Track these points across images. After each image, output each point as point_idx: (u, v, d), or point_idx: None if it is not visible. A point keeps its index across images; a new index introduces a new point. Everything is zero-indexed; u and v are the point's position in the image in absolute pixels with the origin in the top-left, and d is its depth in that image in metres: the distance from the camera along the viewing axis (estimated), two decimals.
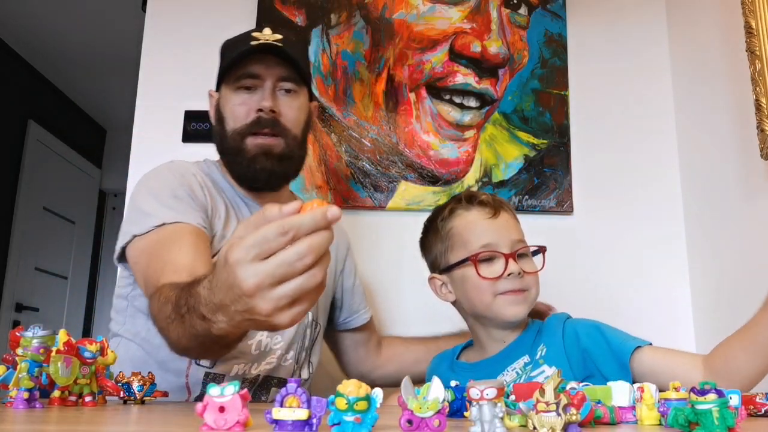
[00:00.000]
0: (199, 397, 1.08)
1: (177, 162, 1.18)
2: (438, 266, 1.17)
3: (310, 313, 1.17)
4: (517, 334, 1.11)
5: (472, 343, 1.20)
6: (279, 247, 0.58)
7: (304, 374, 1.22)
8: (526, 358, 1.07)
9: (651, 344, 1.02)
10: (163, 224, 1.00)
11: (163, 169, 1.14)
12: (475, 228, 1.10)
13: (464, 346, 1.21)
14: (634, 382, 0.99)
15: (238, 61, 1.14)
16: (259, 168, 1.13)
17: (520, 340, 1.10)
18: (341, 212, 0.60)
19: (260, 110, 1.12)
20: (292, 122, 1.16)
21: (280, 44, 1.14)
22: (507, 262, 1.06)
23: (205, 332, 0.69)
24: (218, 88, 1.21)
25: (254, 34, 1.16)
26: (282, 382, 1.16)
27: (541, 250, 1.13)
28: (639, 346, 0.99)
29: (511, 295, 1.06)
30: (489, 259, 1.07)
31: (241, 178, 1.18)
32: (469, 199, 1.14)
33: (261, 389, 1.16)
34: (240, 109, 1.15)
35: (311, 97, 1.25)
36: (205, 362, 1.06)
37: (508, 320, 1.08)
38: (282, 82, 1.16)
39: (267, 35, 1.15)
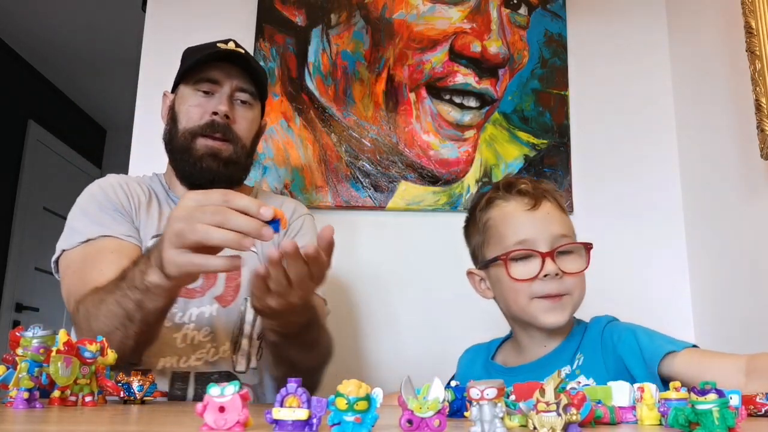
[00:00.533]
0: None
1: (109, 177, 1.24)
2: (476, 260, 1.08)
3: (248, 299, 1.14)
4: (560, 340, 1.01)
5: (510, 337, 1.10)
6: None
7: (240, 366, 1.15)
8: (567, 369, 0.97)
9: (695, 346, 0.90)
10: (89, 240, 1.08)
11: (93, 186, 1.20)
12: (511, 221, 0.99)
13: (503, 341, 1.12)
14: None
15: (201, 63, 1.17)
16: (205, 167, 1.16)
17: (563, 347, 1.00)
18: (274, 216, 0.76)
19: (215, 113, 1.16)
20: (243, 131, 1.20)
21: (243, 55, 1.20)
22: (543, 262, 0.94)
23: (138, 302, 0.84)
24: (174, 90, 1.25)
25: (219, 44, 1.20)
26: (225, 376, 1.11)
27: (586, 247, 1.00)
28: (673, 351, 0.87)
29: (547, 301, 0.95)
30: (525, 258, 0.96)
31: (186, 177, 1.20)
32: (507, 187, 1.02)
33: (201, 385, 1.11)
34: (195, 110, 1.18)
35: (263, 114, 1.31)
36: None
37: (546, 327, 0.98)
38: (239, 92, 1.20)
39: (231, 47, 1.20)
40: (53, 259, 1.15)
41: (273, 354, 1.02)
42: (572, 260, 0.97)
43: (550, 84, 1.84)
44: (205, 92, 1.19)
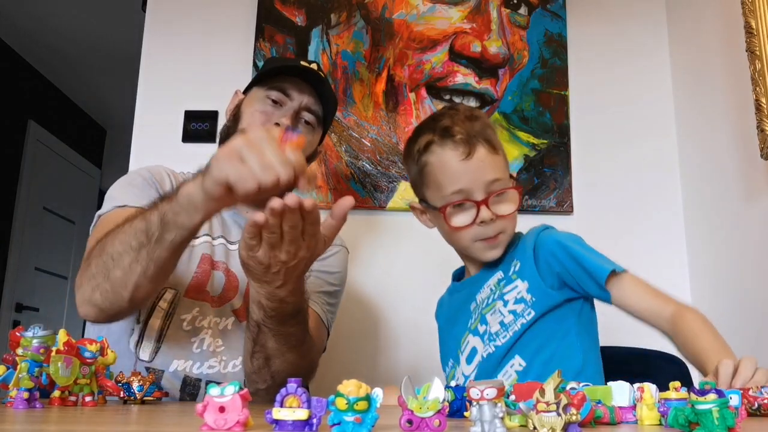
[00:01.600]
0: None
1: (159, 166, 1.24)
2: (417, 194, 1.15)
3: None
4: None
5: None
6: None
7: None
8: (499, 275, 1.07)
9: (625, 271, 1.02)
10: (125, 206, 1.07)
11: (141, 168, 1.22)
12: (447, 170, 1.05)
13: (461, 270, 1.23)
14: (612, 304, 1.01)
15: (279, 72, 1.18)
16: None
17: (499, 260, 1.09)
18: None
19: (277, 124, 1.14)
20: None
21: (320, 77, 1.19)
22: (479, 210, 1.02)
23: (162, 216, 0.86)
24: (246, 91, 1.23)
25: (303, 62, 1.22)
26: None
27: (517, 189, 1.07)
28: (614, 271, 0.99)
29: (485, 242, 1.05)
30: (462, 205, 1.04)
31: None
32: (443, 132, 1.06)
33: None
34: (259, 115, 1.16)
35: (321, 140, 1.30)
36: (144, 356, 1.07)
37: (486, 261, 1.08)
38: (306, 112, 1.19)
39: (313, 68, 1.20)
40: (91, 227, 1.13)
41: (251, 338, 0.97)
42: (504, 202, 1.05)
43: (550, 84, 1.84)
44: (274, 101, 1.17)
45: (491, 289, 1.08)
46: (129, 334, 1.09)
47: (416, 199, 1.17)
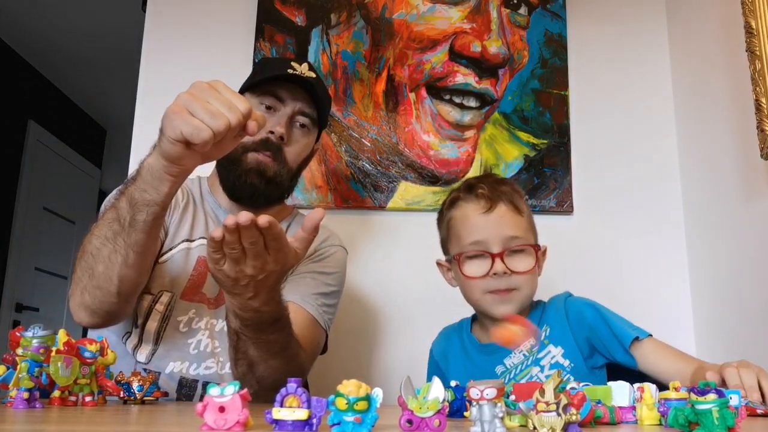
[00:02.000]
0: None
1: None
2: (444, 252, 1.19)
3: None
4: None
5: (477, 317, 1.20)
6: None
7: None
8: (531, 341, 1.08)
9: (650, 335, 1.03)
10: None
11: None
12: (467, 223, 1.10)
13: (472, 319, 1.22)
14: (638, 369, 1.01)
15: (269, 81, 1.19)
16: (248, 183, 1.16)
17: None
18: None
19: (272, 132, 1.16)
20: (293, 155, 1.21)
21: (313, 79, 1.20)
22: (493, 261, 1.05)
23: (130, 199, 0.86)
24: (241, 92, 1.22)
25: (293, 63, 1.21)
26: None
27: (534, 248, 1.09)
28: (637, 337, 1.01)
29: (497, 296, 1.06)
30: (478, 257, 1.07)
31: (228, 187, 1.21)
32: (468, 189, 1.13)
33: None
34: None
35: (319, 137, 1.30)
36: (141, 358, 1.09)
37: (497, 317, 1.07)
38: (300, 116, 1.20)
39: (304, 69, 1.20)
40: None
41: (232, 345, 0.96)
42: (521, 259, 1.07)
43: (550, 84, 1.84)
44: (268, 107, 1.19)
45: (524, 355, 1.08)
46: (125, 337, 1.11)
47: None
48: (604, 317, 1.05)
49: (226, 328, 1.08)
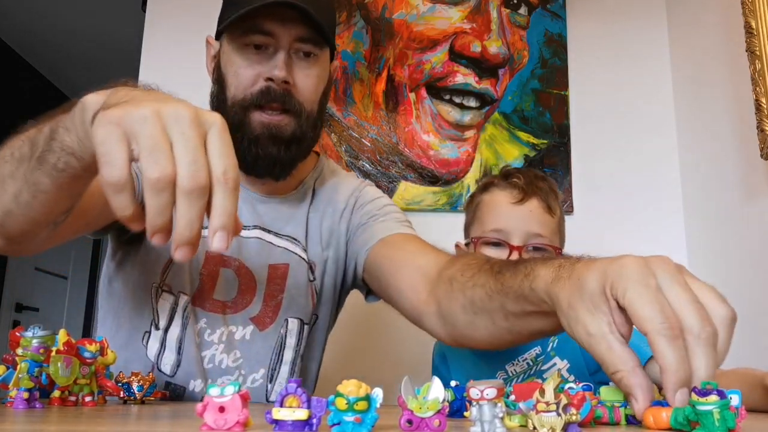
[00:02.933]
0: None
1: None
2: (465, 236, 1.13)
3: (290, 320, 1.00)
4: None
5: None
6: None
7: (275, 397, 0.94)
8: (537, 350, 1.03)
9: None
10: None
11: None
12: (495, 209, 1.04)
13: None
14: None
15: (247, 15, 0.88)
16: (262, 154, 0.91)
17: None
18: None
19: (270, 79, 0.90)
20: (308, 95, 0.93)
21: None
22: (510, 253, 0.99)
23: (46, 139, 0.63)
24: (218, 37, 0.98)
25: None
26: None
27: (556, 251, 1.03)
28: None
29: None
30: (497, 245, 1.01)
31: (240, 160, 1.02)
32: (505, 176, 1.07)
33: None
34: (245, 73, 0.91)
35: (333, 55, 1.00)
36: (166, 369, 0.93)
37: None
38: (299, 43, 0.91)
39: None
40: None
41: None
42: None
43: (550, 84, 1.84)
44: (257, 47, 0.91)
45: (528, 364, 1.02)
46: (145, 338, 0.95)
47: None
48: None
49: (248, 337, 0.96)
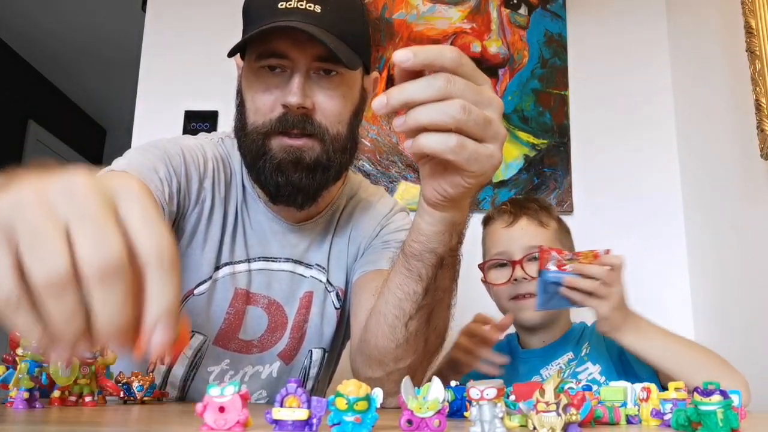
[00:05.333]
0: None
1: (209, 147, 0.94)
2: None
3: (314, 351, 0.96)
4: (558, 336, 1.15)
5: None
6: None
7: None
8: (570, 354, 1.11)
9: None
10: (126, 172, 0.80)
11: (177, 142, 0.92)
12: (493, 237, 1.17)
13: None
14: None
15: (257, 36, 0.82)
16: (284, 181, 0.84)
17: (564, 339, 1.14)
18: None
19: (285, 106, 0.83)
20: (331, 117, 0.85)
21: (318, 8, 0.81)
22: (513, 269, 1.10)
23: None
24: (233, 54, 0.89)
25: (282, 2, 0.82)
26: None
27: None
28: None
29: (521, 300, 1.10)
30: (502, 266, 1.13)
31: (263, 191, 0.90)
32: (498, 209, 1.20)
33: None
34: (263, 99, 0.84)
35: (369, 68, 0.91)
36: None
37: (524, 324, 1.13)
38: (319, 62, 0.83)
39: (294, 3, 0.81)
40: None
41: (422, 287, 0.71)
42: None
43: (550, 84, 1.84)
44: (272, 68, 0.84)
45: (561, 368, 1.10)
46: (147, 369, 0.88)
47: None
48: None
49: (275, 374, 0.93)
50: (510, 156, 1.79)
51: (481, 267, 1.16)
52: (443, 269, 0.71)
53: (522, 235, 1.13)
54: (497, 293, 1.14)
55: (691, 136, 1.76)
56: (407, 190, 1.78)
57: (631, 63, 1.88)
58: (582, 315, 1.13)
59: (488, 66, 1.84)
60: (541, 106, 1.83)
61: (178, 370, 0.90)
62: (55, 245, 0.34)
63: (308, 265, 0.97)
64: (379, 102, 0.55)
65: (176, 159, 0.85)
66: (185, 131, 1.81)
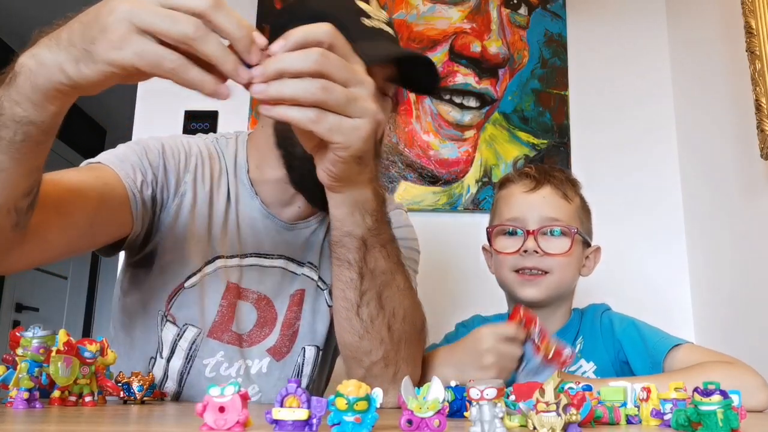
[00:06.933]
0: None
1: (194, 142, 0.96)
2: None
3: (307, 348, 0.98)
4: (557, 329, 1.06)
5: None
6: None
7: None
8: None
9: (690, 343, 0.95)
10: (99, 162, 0.84)
11: (158, 139, 0.94)
12: (510, 200, 1.07)
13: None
14: None
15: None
16: (310, 169, 0.79)
17: (562, 332, 1.06)
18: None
19: None
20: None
21: (392, 31, 0.84)
22: (526, 239, 1.01)
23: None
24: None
25: (361, 4, 0.82)
26: None
27: (571, 232, 1.02)
28: (676, 345, 0.93)
29: (525, 277, 1.02)
30: (513, 233, 1.03)
31: (289, 172, 0.90)
32: (520, 172, 1.10)
33: None
34: None
35: (397, 100, 0.95)
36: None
37: (522, 299, 1.02)
38: (386, 82, 0.87)
39: (376, 9, 0.83)
40: None
41: (357, 274, 0.74)
42: (557, 242, 1.02)
43: (550, 84, 1.84)
44: None
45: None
46: (151, 363, 0.92)
47: None
48: (639, 329, 0.99)
49: (265, 369, 0.94)
50: (510, 156, 1.80)
51: (489, 232, 1.06)
52: (370, 251, 0.73)
53: (543, 204, 1.03)
54: (500, 261, 1.05)
55: (691, 135, 1.76)
56: (407, 190, 1.78)
57: (631, 63, 1.88)
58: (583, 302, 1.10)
59: (488, 66, 1.84)
60: (541, 106, 1.83)
61: (176, 363, 0.91)
62: (177, 14, 0.52)
63: (300, 263, 0.97)
64: (260, 89, 0.57)
65: (153, 152, 0.87)
66: (185, 131, 1.81)
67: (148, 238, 0.89)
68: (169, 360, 0.91)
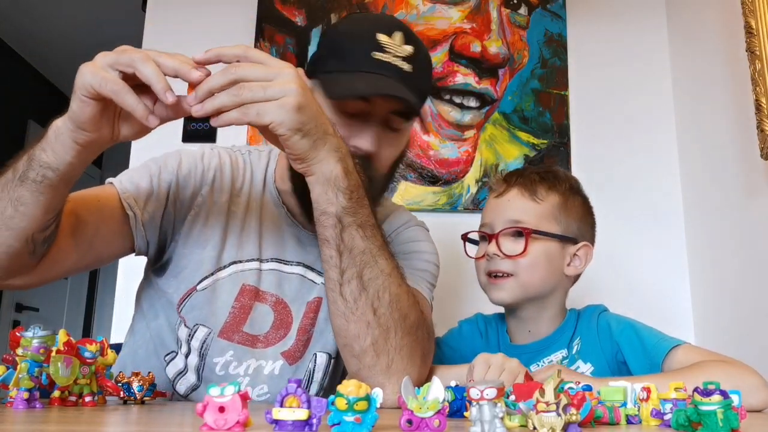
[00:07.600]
0: None
1: (214, 155, 1.01)
2: None
3: (318, 354, 1.00)
4: (551, 329, 1.06)
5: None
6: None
7: None
8: (564, 352, 1.03)
9: (688, 343, 0.94)
10: (111, 183, 0.93)
11: (184, 152, 1.01)
12: (486, 206, 1.11)
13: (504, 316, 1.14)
14: None
15: (348, 76, 0.87)
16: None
17: (558, 333, 1.05)
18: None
19: (355, 146, 0.87)
20: (385, 163, 0.93)
21: (407, 67, 0.87)
22: (489, 243, 1.04)
23: (30, 156, 0.75)
24: (312, 75, 0.92)
25: (380, 37, 0.86)
26: None
27: (524, 231, 1.01)
28: (675, 346, 0.92)
29: (493, 279, 1.04)
30: (484, 239, 1.07)
31: (302, 203, 0.94)
32: (500, 174, 1.15)
33: None
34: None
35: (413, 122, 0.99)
36: (180, 389, 0.95)
37: (493, 303, 1.05)
38: (394, 116, 0.90)
39: (397, 44, 0.87)
40: None
41: (336, 252, 0.78)
42: (518, 245, 1.02)
43: (550, 84, 1.84)
44: (351, 114, 0.88)
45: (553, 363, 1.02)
46: (170, 356, 0.96)
47: None
48: (637, 331, 0.98)
49: (277, 371, 0.96)
50: (510, 156, 1.80)
51: (463, 239, 1.10)
52: (346, 229, 0.78)
53: (507, 207, 1.04)
54: (477, 267, 1.08)
55: (691, 136, 1.76)
56: (407, 190, 1.78)
57: (631, 63, 1.88)
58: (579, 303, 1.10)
59: (488, 66, 1.84)
60: (541, 106, 1.83)
61: (193, 359, 0.95)
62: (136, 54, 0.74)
63: (320, 273, 0.99)
64: (197, 108, 0.74)
65: (168, 169, 0.95)
66: (185, 131, 1.81)
67: (163, 249, 0.95)
68: (187, 356, 0.95)
